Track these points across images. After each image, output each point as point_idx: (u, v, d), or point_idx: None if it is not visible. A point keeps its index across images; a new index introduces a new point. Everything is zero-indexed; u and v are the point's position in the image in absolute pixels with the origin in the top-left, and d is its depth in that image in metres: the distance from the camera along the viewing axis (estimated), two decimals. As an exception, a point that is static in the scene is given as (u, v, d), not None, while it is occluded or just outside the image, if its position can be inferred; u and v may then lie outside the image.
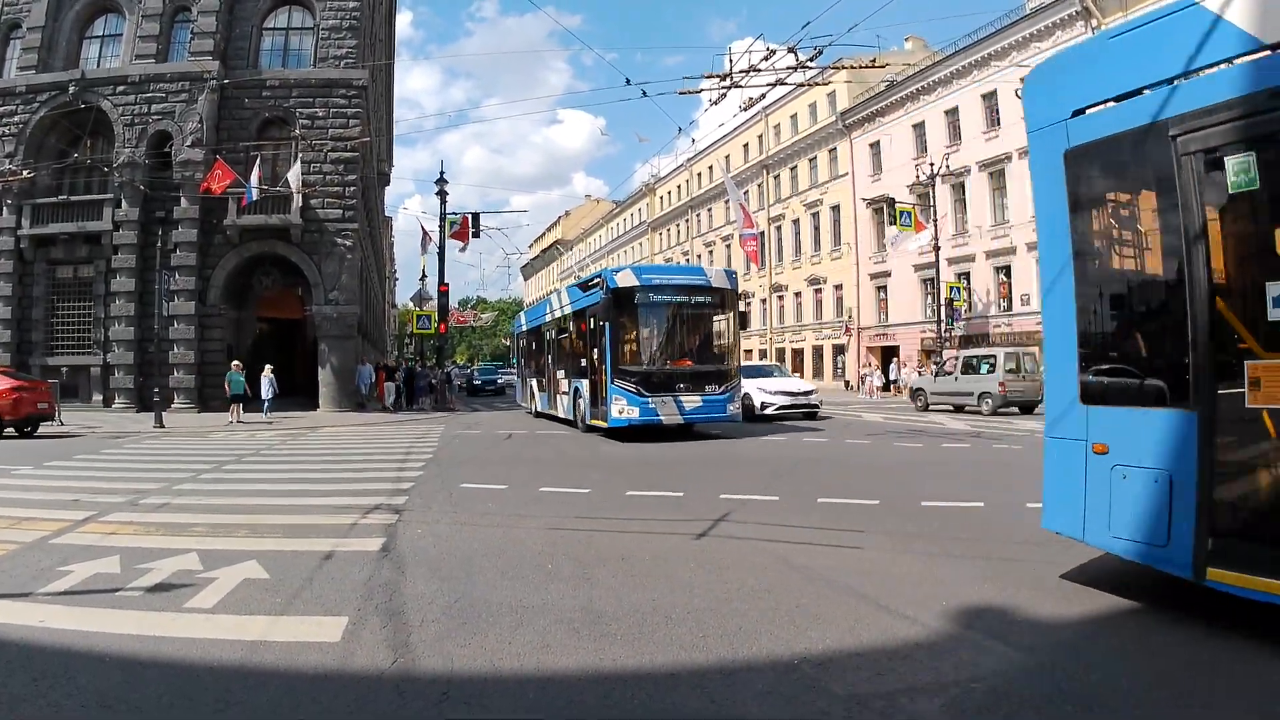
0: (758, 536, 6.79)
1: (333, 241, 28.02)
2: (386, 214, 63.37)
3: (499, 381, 47.30)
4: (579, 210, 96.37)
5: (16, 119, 28.12)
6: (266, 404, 24.16)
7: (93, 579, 5.59)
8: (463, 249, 34.00)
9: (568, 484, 10.03)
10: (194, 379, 27.52)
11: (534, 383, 24.79)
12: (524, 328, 27.11)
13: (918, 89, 40.16)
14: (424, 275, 39.70)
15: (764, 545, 6.46)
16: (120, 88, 28.17)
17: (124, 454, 14.99)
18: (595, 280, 17.10)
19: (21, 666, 3.96)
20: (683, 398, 15.73)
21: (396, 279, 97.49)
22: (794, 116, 50.67)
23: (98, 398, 28.11)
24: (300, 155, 27.47)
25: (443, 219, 32.71)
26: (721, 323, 17.20)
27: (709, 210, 61.73)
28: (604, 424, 16.14)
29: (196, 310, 27.50)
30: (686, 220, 65.48)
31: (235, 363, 23.42)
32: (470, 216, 33.32)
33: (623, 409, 15.48)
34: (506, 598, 5.06)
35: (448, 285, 33.46)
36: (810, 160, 49.32)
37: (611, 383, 15.62)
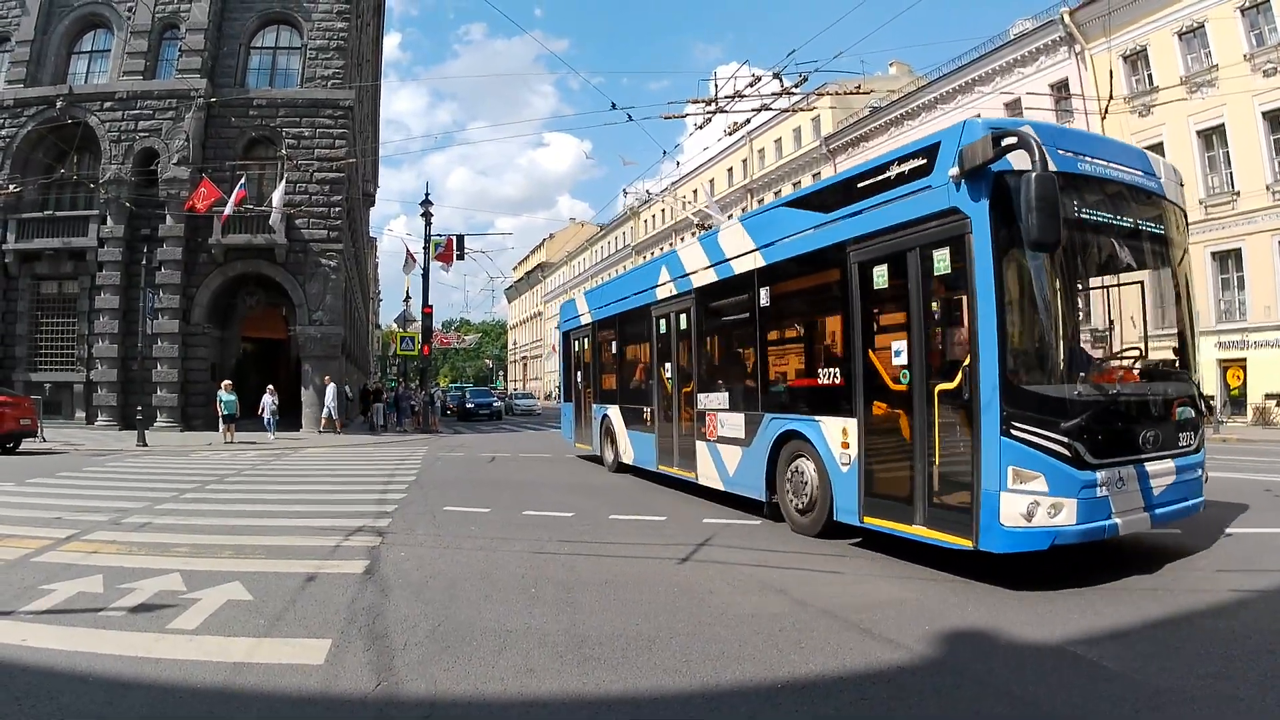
0: (740, 561, 6.83)
1: (317, 262, 27.99)
2: (371, 235, 63.27)
3: (495, 405, 43.77)
4: (563, 233, 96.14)
5: (3, 133, 28.09)
6: (270, 423, 24.22)
7: (75, 598, 5.57)
8: (445, 269, 33.95)
9: (550, 508, 10.04)
10: (177, 398, 27.34)
11: (612, 413, 14.39)
12: (586, 320, 15.93)
13: (902, 114, 40.53)
14: (408, 296, 39.68)
15: (747, 570, 6.51)
16: (107, 104, 28.16)
17: (107, 472, 14.89)
18: (905, 165, 6.51)
19: (3, 685, 3.95)
20: (1149, 466, 5.99)
21: (380, 300, 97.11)
22: (778, 141, 51.04)
23: (81, 415, 27.88)
24: (286, 175, 27.50)
25: (427, 240, 32.67)
26: (1177, 275, 6.94)
27: (693, 233, 61.80)
28: (961, 541, 5.84)
29: (180, 329, 27.35)
30: (670, 243, 65.50)
31: (225, 382, 23.18)
32: (455, 238, 33.36)
33: (1036, 505, 5.43)
34: (490, 621, 5.06)
35: (431, 307, 33.33)
36: (794, 184, 49.52)
37: (1003, 431, 5.51)
